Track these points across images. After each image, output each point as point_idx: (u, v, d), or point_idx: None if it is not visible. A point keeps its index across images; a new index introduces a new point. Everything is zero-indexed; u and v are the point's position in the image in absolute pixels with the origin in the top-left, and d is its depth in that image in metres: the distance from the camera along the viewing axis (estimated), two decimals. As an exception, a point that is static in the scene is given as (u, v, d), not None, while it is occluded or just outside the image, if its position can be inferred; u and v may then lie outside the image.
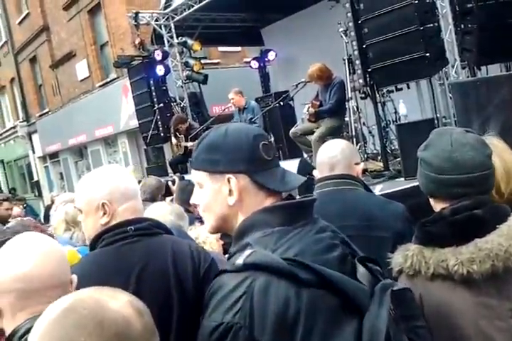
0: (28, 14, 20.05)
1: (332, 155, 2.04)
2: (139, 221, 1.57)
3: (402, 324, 1.04)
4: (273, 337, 0.95)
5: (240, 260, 1.02)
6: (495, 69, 6.61)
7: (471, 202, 1.27)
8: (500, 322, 1.22)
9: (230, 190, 1.14)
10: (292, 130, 6.53)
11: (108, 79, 15.39)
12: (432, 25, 5.43)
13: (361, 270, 1.07)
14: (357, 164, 2.06)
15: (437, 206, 1.37)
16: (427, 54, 5.26)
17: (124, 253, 1.51)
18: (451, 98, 5.36)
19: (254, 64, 11.17)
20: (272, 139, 8.08)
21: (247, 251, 1.04)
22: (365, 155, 6.86)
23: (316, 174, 2.10)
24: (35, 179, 21.62)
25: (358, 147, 6.70)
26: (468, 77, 5.98)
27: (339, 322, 0.99)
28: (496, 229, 1.25)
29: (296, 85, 6.65)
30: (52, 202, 8.77)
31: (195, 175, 1.21)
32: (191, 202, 1.27)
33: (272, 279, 0.99)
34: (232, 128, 1.19)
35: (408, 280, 1.31)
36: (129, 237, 1.52)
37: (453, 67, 5.60)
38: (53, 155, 20.43)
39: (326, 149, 2.10)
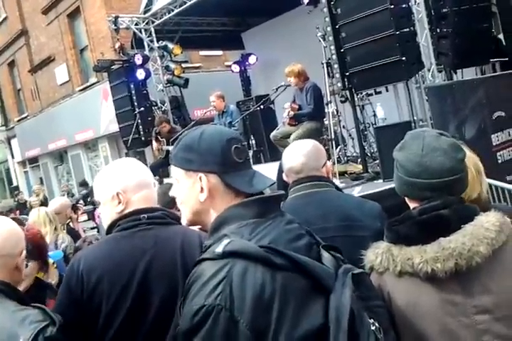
0: (5, 18, 19.85)
1: (297, 158, 2.03)
2: (153, 210, 1.68)
3: (362, 303, 1.13)
4: (251, 316, 1.05)
5: (219, 248, 1.11)
6: (470, 73, 6.75)
7: (438, 202, 1.31)
8: (465, 319, 1.26)
9: (202, 188, 1.24)
10: (273, 133, 6.57)
11: (88, 84, 15.30)
12: (407, 29, 5.52)
13: (326, 256, 1.19)
14: (324, 165, 2.06)
15: (412, 205, 1.41)
16: (403, 58, 5.35)
17: (137, 239, 1.61)
18: (427, 101, 5.46)
19: (235, 68, 11.20)
20: (253, 142, 8.12)
21: (225, 241, 1.13)
22: (345, 158, 6.93)
23: (285, 178, 2.10)
24: (15, 184, 21.30)
25: (338, 150, 6.78)
26: (444, 80, 6.09)
27: (309, 301, 1.11)
28: (461, 229, 1.28)
29: (276, 89, 6.70)
30: (31, 207, 8.68)
31: (173, 171, 1.31)
32: (170, 194, 1.35)
33: (249, 265, 1.09)
34: (208, 130, 1.28)
35: (378, 277, 1.35)
36: (142, 225, 1.64)
37: (429, 70, 5.70)
38: (33, 160, 20.20)
39: (290, 152, 2.08)
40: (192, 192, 1.26)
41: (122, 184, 1.68)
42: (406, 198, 1.44)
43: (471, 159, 1.60)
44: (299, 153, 2.05)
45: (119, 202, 1.68)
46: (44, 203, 8.36)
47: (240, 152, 1.24)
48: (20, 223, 1.83)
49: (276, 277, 1.09)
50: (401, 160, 1.40)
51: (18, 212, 10.86)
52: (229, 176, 1.23)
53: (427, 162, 1.34)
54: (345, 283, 1.11)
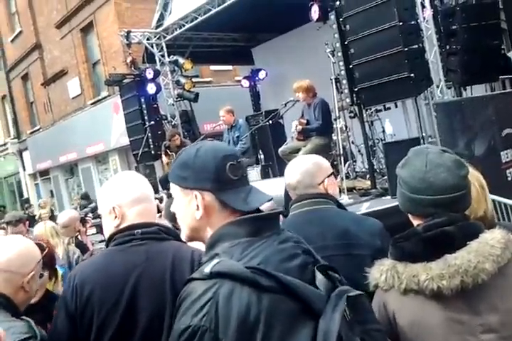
0: (20, 32, 20.19)
1: (293, 175, 2.04)
2: (148, 225, 1.69)
3: (359, 327, 1.11)
4: (235, 338, 1.04)
5: (207, 268, 1.11)
6: (480, 90, 6.75)
7: (443, 219, 1.30)
8: (471, 338, 1.24)
9: (197, 205, 1.24)
10: (281, 148, 6.59)
11: (99, 97, 15.47)
12: (416, 46, 5.54)
13: (319, 277, 1.15)
14: (322, 182, 2.02)
15: (415, 222, 1.40)
16: (412, 74, 5.36)
17: (129, 254, 1.63)
18: (436, 117, 5.45)
19: (245, 83, 11.28)
20: (262, 157, 8.12)
21: (214, 261, 1.13)
22: (354, 174, 6.92)
23: (290, 194, 2.10)
24: (25, 196, 21.45)
25: (346, 165, 6.76)
26: (453, 97, 6.10)
27: (296, 325, 1.08)
28: (466, 246, 1.27)
29: (285, 104, 6.73)
30: (40, 219, 8.74)
31: (171, 187, 1.31)
32: (171, 209, 1.35)
33: (235, 286, 1.07)
34: (204, 148, 1.27)
35: (383, 294, 1.34)
36: (136, 240, 1.65)
37: (438, 87, 5.71)
38: (44, 173, 20.34)
39: (289, 169, 2.09)
40: (188, 209, 1.26)
41: (118, 198, 1.70)
42: (409, 215, 1.43)
43: (475, 176, 1.59)
44: (296, 170, 2.06)
45: (116, 217, 1.70)
46: (52, 216, 8.41)
47: (236, 169, 1.23)
48: (42, 248, 1.88)
49: (262, 299, 1.07)
50: (404, 176, 1.40)
51: (27, 222, 10.88)
52: (224, 194, 1.22)
53: (430, 178, 1.34)
54: (336, 307, 1.08)
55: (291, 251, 1.19)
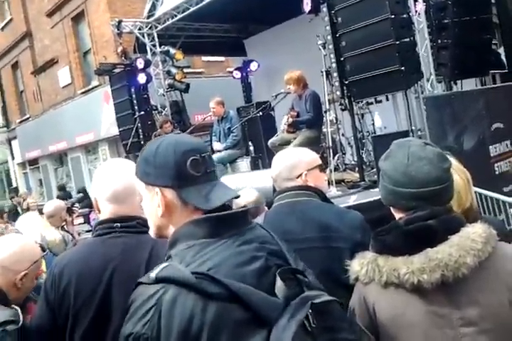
0: (10, 20, 19.96)
1: (273, 168, 2.08)
2: (129, 218, 1.67)
3: (326, 335, 1.05)
4: None
5: (153, 273, 1.07)
6: (470, 84, 6.77)
7: (425, 212, 1.30)
8: (450, 331, 1.25)
9: (159, 203, 1.19)
10: (271, 140, 6.58)
11: (90, 87, 15.36)
12: (408, 39, 5.52)
13: (279, 283, 1.08)
14: (299, 176, 2.03)
15: (397, 216, 1.40)
16: (403, 67, 5.35)
17: (107, 246, 1.63)
18: (426, 111, 5.46)
19: (237, 74, 11.23)
20: (252, 148, 8.12)
21: (163, 264, 1.09)
22: (343, 166, 6.93)
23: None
24: (14, 185, 21.32)
25: (336, 158, 6.77)
26: (444, 90, 6.11)
27: (245, 335, 1.02)
28: (447, 240, 1.27)
29: (276, 96, 6.71)
30: (28, 208, 8.68)
31: (137, 183, 1.26)
32: (142, 204, 1.32)
33: (180, 292, 1.02)
34: (165, 142, 1.20)
35: (363, 287, 1.34)
36: (115, 232, 1.65)
37: (428, 80, 5.71)
38: (33, 162, 20.22)
39: (273, 162, 2.13)
40: (152, 206, 1.21)
41: (99, 192, 1.70)
42: (391, 208, 1.43)
43: (461, 168, 1.60)
44: (276, 163, 2.09)
45: (97, 208, 1.72)
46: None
47: (198, 164, 1.16)
48: (43, 249, 2.00)
49: (208, 307, 1.01)
50: (386, 169, 1.40)
51: (5, 215, 10.76)
52: (184, 191, 1.16)
53: (412, 171, 1.33)
54: (294, 315, 1.01)
55: (251, 254, 1.12)
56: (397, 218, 1.38)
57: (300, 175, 2.03)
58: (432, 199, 1.32)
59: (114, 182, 1.68)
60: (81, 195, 7.97)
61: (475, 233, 1.28)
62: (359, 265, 1.34)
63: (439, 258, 1.24)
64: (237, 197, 1.23)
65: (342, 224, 1.92)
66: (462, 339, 1.24)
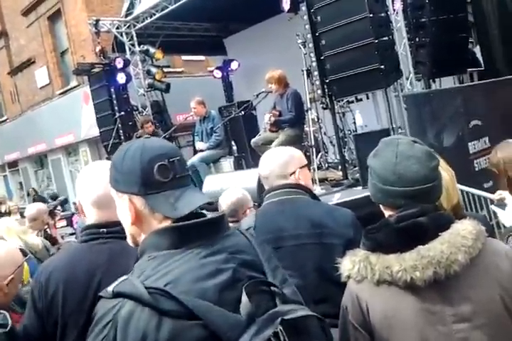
0: (-16, 19, 19.53)
1: (265, 166, 2.09)
2: (115, 224, 1.60)
3: None
4: None
5: (110, 287, 1.04)
6: (449, 82, 6.87)
7: (415, 210, 1.31)
8: (443, 328, 1.26)
9: (128, 210, 1.16)
10: (253, 140, 6.58)
11: (68, 87, 15.16)
12: (386, 38, 5.59)
13: (244, 299, 1.01)
14: (293, 173, 2.05)
15: (386, 213, 1.41)
16: (382, 66, 5.41)
17: (93, 253, 1.60)
18: (406, 109, 5.53)
19: (217, 73, 11.19)
20: (235, 148, 8.12)
21: (121, 278, 1.05)
22: (326, 165, 6.97)
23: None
24: (-7, 188, 20.92)
25: (319, 156, 6.81)
26: (423, 89, 6.19)
27: None
28: (438, 237, 1.29)
29: (257, 95, 6.71)
30: (9, 212, 8.54)
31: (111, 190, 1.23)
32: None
33: (136, 308, 0.99)
34: (132, 148, 1.16)
35: (355, 285, 1.35)
36: (100, 238, 1.61)
37: (407, 79, 5.78)
38: (12, 164, 19.89)
39: (262, 160, 2.14)
40: (123, 214, 1.18)
41: (82, 196, 1.67)
42: (381, 205, 1.44)
43: (446, 166, 1.63)
44: (267, 160, 2.10)
45: (82, 212, 1.69)
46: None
47: (166, 170, 1.11)
48: (25, 254, 2.01)
49: (162, 324, 0.97)
50: (375, 167, 1.41)
51: None
52: (152, 199, 1.11)
53: (400, 170, 1.34)
54: (258, 333, 0.96)
55: (216, 266, 1.05)
56: (386, 215, 1.40)
57: (294, 172, 2.05)
58: (420, 198, 1.33)
59: (98, 186, 1.63)
60: (63, 197, 7.88)
61: (465, 230, 1.30)
62: (351, 263, 1.34)
63: (431, 256, 1.25)
64: (210, 203, 1.17)
65: (334, 221, 1.94)
66: (456, 336, 1.25)
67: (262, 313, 1.00)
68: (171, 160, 1.12)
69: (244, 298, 1.01)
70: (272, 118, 6.26)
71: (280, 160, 2.06)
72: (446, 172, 1.57)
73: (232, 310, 1.00)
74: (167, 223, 1.11)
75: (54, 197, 11.71)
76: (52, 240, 4.26)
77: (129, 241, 1.23)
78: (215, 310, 0.98)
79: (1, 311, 1.64)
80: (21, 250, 1.97)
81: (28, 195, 12.48)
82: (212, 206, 1.29)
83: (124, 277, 1.05)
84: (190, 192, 1.15)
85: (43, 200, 10.54)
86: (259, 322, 0.98)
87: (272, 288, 1.06)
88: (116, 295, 1.02)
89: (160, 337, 0.96)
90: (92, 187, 1.65)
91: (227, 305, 1.00)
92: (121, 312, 0.99)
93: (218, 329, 0.96)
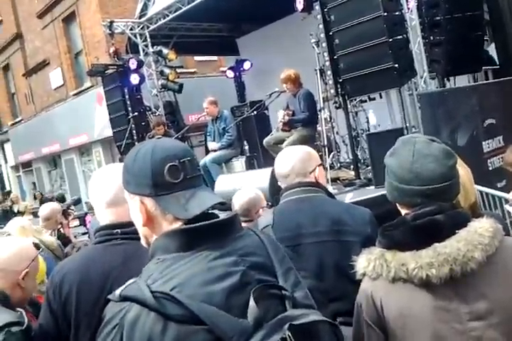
0: (1, 21, 19.81)
1: (285, 164, 2.07)
2: (128, 224, 1.58)
3: None
4: None
5: (118, 290, 1.04)
6: (463, 80, 6.80)
7: (432, 208, 1.30)
8: (458, 325, 1.25)
9: (140, 212, 1.15)
10: (266, 139, 6.58)
11: (82, 88, 15.28)
12: (400, 37, 5.54)
13: (251, 304, 0.99)
14: (313, 171, 2.06)
15: (403, 211, 1.41)
16: (396, 65, 5.37)
17: (108, 254, 1.59)
18: (420, 108, 5.48)
19: (230, 73, 11.21)
20: (246, 148, 8.11)
21: (129, 281, 1.05)
22: (338, 164, 6.94)
23: (279, 183, 2.12)
24: (7, 189, 21.18)
25: (331, 156, 6.78)
26: (437, 87, 6.13)
27: None
28: (455, 234, 1.28)
29: (270, 95, 6.71)
30: (24, 212, 8.62)
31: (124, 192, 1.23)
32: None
33: (142, 312, 0.98)
34: (143, 149, 1.16)
35: (371, 283, 1.34)
36: (115, 239, 1.60)
37: (421, 77, 5.73)
38: (26, 165, 20.11)
39: (280, 158, 2.12)
40: (135, 215, 1.17)
41: (93, 199, 1.67)
42: (397, 204, 1.44)
43: (463, 164, 1.61)
44: (287, 158, 2.08)
45: (95, 214, 1.69)
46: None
47: (176, 171, 1.10)
48: (38, 247, 2.07)
49: (168, 329, 0.96)
50: (392, 166, 1.40)
51: None
52: (163, 200, 1.11)
53: (417, 168, 1.33)
54: (265, 338, 0.94)
55: (224, 270, 1.03)
56: (402, 214, 1.39)
57: (314, 170, 2.06)
58: (437, 196, 1.32)
59: (111, 187, 1.63)
60: (76, 197, 7.92)
61: (482, 227, 1.29)
62: (366, 260, 1.34)
63: (448, 253, 1.24)
64: (222, 203, 1.15)
65: (352, 218, 1.95)
66: (471, 334, 1.24)
67: (270, 318, 0.98)
68: (181, 160, 1.12)
69: (252, 302, 0.99)
70: (286, 117, 6.25)
71: (301, 158, 2.06)
72: (463, 170, 1.55)
73: (239, 314, 0.98)
74: (178, 224, 1.10)
75: (61, 199, 11.76)
76: (66, 240, 4.27)
77: (143, 242, 1.22)
78: (221, 314, 0.97)
79: (18, 309, 1.68)
80: (35, 244, 1.99)
81: (35, 198, 12.57)
82: (225, 206, 1.27)
83: (132, 280, 1.05)
84: (202, 193, 1.14)
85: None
86: (266, 328, 0.96)
87: (283, 291, 1.04)
88: (123, 298, 1.02)
89: (165, 340, 0.96)
90: (105, 187, 1.65)
91: (234, 310, 0.99)
92: (128, 317, 0.99)
93: (224, 335, 0.94)
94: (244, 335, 0.95)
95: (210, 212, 1.13)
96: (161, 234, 1.10)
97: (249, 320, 0.97)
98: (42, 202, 11.18)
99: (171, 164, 1.10)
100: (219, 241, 1.08)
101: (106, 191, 1.63)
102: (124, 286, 1.04)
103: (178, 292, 0.99)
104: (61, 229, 4.42)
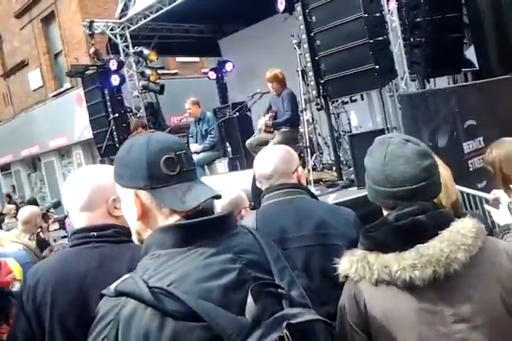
0: (-23, 22, 19.44)
1: (267, 164, 2.00)
2: (105, 227, 1.58)
3: None
4: None
5: (113, 285, 1.02)
6: (444, 82, 6.87)
7: (414, 208, 1.28)
8: (443, 328, 1.24)
9: (134, 205, 1.13)
10: (248, 141, 6.56)
11: (62, 89, 15.10)
12: (381, 38, 5.58)
13: (249, 301, 0.98)
14: (295, 170, 2.01)
15: (385, 212, 1.39)
16: (377, 66, 5.39)
17: (83, 258, 1.55)
18: (400, 109, 5.52)
19: (212, 75, 11.18)
20: (229, 149, 8.09)
21: (124, 277, 1.03)
22: (321, 165, 6.95)
23: (259, 185, 2.06)
24: (-14, 192, 20.79)
25: (314, 157, 6.79)
26: (417, 89, 6.18)
27: None
28: (438, 235, 1.26)
29: (252, 96, 6.70)
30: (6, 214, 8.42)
31: (115, 185, 1.20)
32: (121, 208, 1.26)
33: (138, 308, 0.97)
34: (138, 142, 1.14)
35: (353, 285, 1.32)
36: (90, 243, 1.56)
37: (402, 79, 5.77)
38: (5, 167, 19.76)
39: (261, 158, 2.05)
40: (128, 209, 1.15)
41: (71, 199, 1.63)
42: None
43: (442, 164, 1.61)
44: (269, 158, 2.01)
45: (70, 217, 1.66)
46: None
47: (173, 163, 1.09)
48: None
49: (165, 325, 0.94)
50: (368, 167, 1.40)
51: None
52: (159, 192, 1.09)
53: (387, 170, 1.32)
54: (264, 336, 0.92)
55: (220, 267, 1.02)
56: (384, 214, 1.37)
57: (296, 169, 2.01)
58: (410, 198, 1.30)
59: (85, 190, 1.60)
60: (56, 200, 7.81)
61: (465, 228, 1.28)
62: (348, 262, 1.32)
63: (431, 254, 1.23)
64: (218, 197, 1.14)
65: (337, 220, 1.91)
66: (455, 336, 1.23)
67: (268, 316, 0.97)
68: (177, 153, 1.11)
69: (250, 300, 0.97)
70: (270, 122, 6.25)
71: (282, 158, 2.00)
72: (442, 169, 1.55)
73: (237, 311, 0.97)
74: (174, 218, 1.09)
75: (32, 203, 11.53)
76: (45, 244, 4.19)
77: (134, 238, 1.20)
78: (220, 311, 0.95)
79: None
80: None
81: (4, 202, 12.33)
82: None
83: (127, 275, 1.03)
84: (198, 186, 1.13)
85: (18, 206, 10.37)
86: (264, 326, 0.95)
87: (279, 290, 1.03)
88: (119, 293, 0.99)
89: (162, 338, 0.94)
90: (78, 192, 1.61)
91: (232, 307, 0.97)
92: (123, 312, 0.97)
93: (223, 332, 0.93)
94: (242, 333, 0.93)
95: (206, 208, 1.12)
96: (156, 229, 1.08)
97: (247, 318, 0.96)
98: (17, 206, 10.98)
99: (167, 156, 1.09)
100: (215, 238, 1.07)
101: (79, 195, 1.60)
102: (119, 281, 1.01)
103: (175, 288, 0.97)
104: (40, 234, 4.34)
